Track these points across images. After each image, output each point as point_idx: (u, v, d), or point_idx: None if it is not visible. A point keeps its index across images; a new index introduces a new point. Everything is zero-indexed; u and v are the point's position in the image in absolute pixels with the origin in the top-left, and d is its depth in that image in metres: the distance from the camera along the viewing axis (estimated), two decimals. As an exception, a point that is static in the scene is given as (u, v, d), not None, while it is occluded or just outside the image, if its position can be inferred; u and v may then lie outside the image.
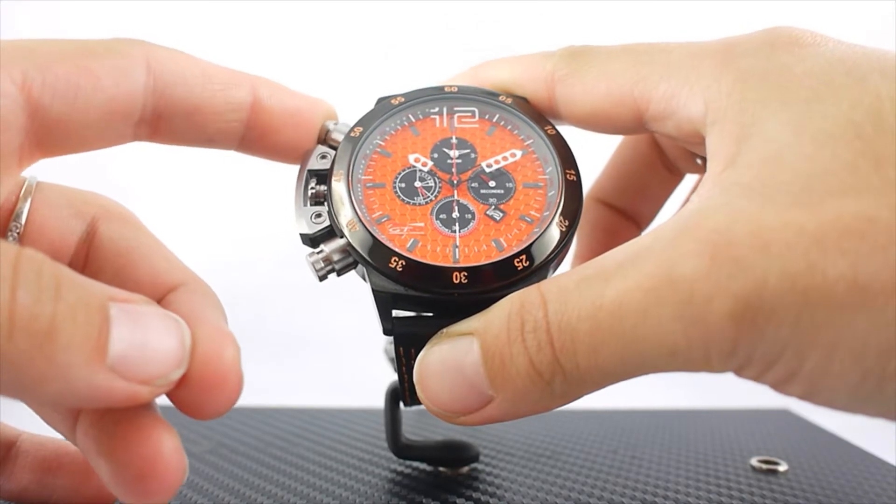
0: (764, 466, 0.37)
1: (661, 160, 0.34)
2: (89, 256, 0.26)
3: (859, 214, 0.19)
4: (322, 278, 0.27)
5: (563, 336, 0.21)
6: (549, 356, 0.21)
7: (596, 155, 0.35)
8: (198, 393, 0.21)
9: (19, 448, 0.28)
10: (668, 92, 0.25)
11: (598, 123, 0.28)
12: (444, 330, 0.24)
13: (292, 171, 0.29)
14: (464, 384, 0.23)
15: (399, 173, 0.27)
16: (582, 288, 0.21)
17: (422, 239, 0.26)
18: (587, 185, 0.33)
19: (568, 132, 0.28)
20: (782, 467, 0.37)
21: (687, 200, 0.36)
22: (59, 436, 0.26)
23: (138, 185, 0.73)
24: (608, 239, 0.35)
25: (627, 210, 0.35)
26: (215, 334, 0.21)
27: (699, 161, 0.32)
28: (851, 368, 0.19)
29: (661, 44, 0.26)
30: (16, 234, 0.25)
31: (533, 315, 0.22)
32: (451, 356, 0.24)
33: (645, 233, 0.22)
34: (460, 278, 0.25)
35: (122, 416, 0.21)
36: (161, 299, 0.25)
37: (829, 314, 0.19)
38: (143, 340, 0.19)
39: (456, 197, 0.27)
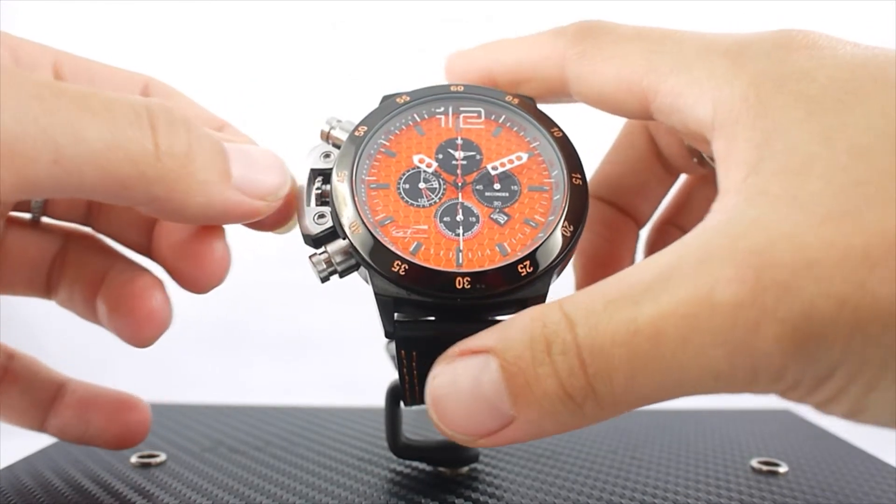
0: (764, 468, 0.37)
1: (658, 159, 0.33)
2: None
3: None
4: (324, 280, 0.26)
5: (597, 360, 0.20)
6: (582, 380, 0.21)
7: (600, 156, 0.35)
8: (196, 269, 0.28)
9: (66, 389, 0.33)
10: (676, 88, 0.24)
11: (605, 105, 0.27)
12: (452, 349, 0.23)
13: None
14: (482, 405, 0.22)
15: (403, 174, 0.27)
16: (611, 311, 0.20)
17: (425, 242, 0.26)
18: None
19: (573, 135, 0.28)
20: (782, 469, 0.37)
21: (682, 197, 0.35)
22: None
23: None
24: (608, 233, 0.34)
25: (624, 207, 0.35)
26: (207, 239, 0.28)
27: (696, 160, 0.32)
28: None
29: (673, 32, 0.25)
30: None
31: (561, 337, 0.21)
32: (465, 376, 0.22)
33: (669, 248, 0.21)
34: (463, 283, 0.24)
35: (128, 278, 0.29)
36: None
37: (880, 334, 0.18)
38: (253, 168, 0.25)
39: (460, 199, 0.27)
